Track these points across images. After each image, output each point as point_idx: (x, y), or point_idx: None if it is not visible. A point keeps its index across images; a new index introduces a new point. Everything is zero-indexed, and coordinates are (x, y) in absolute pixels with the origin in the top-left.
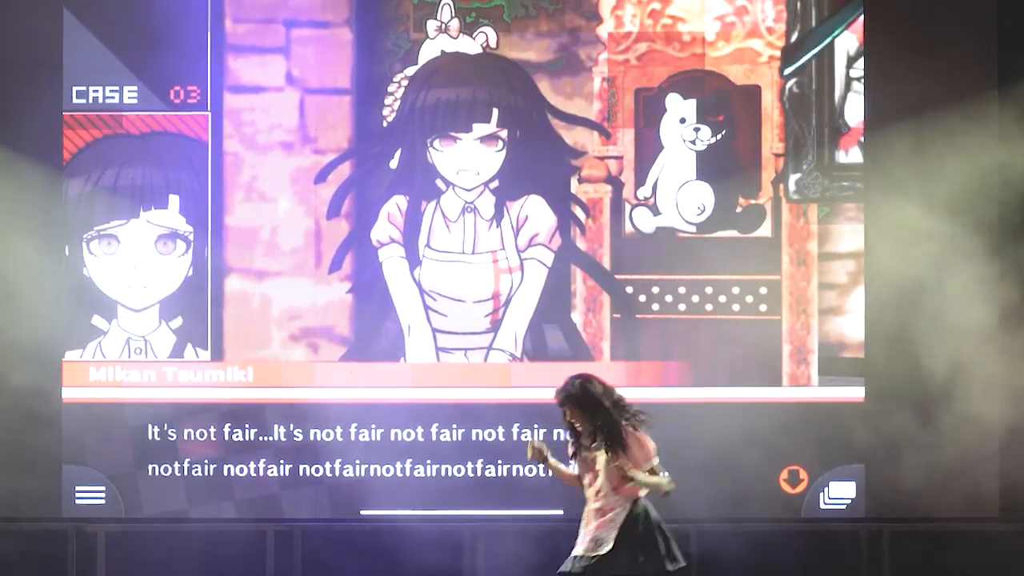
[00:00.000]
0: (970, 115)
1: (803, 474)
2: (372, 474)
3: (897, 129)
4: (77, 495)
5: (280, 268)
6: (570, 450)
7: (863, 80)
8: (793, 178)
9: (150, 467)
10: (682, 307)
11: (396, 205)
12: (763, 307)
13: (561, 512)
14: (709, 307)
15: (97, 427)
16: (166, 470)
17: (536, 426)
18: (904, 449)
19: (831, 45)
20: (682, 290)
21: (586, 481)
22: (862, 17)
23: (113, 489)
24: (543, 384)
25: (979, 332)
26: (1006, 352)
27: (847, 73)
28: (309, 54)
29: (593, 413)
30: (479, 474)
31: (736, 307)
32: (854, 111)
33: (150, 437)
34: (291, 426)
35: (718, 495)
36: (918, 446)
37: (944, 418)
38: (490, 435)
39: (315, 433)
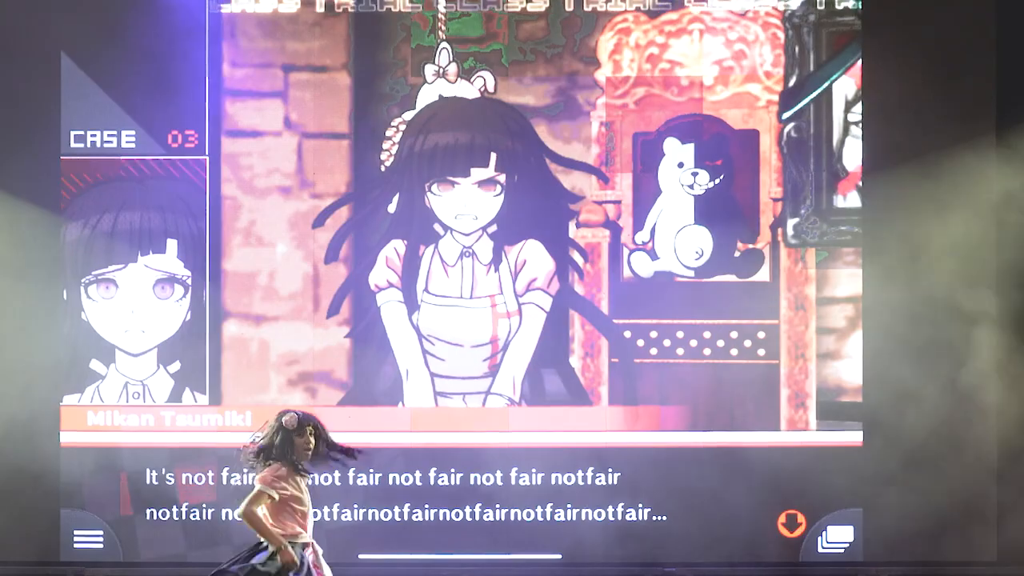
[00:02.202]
0: (968, 160)
1: (801, 518)
2: (370, 518)
3: (895, 173)
4: (75, 539)
5: (278, 313)
6: (295, 476)
7: (861, 124)
8: (791, 222)
9: (148, 511)
10: (680, 351)
11: (394, 249)
12: (761, 351)
13: (559, 556)
14: (707, 351)
15: (95, 471)
16: (164, 514)
17: (534, 470)
18: (902, 493)
19: (829, 89)
20: (680, 334)
21: (309, 508)
22: (860, 61)
23: (111, 533)
24: (542, 428)
25: (977, 377)
26: (1003, 397)
27: (845, 117)
28: (307, 98)
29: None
30: (477, 518)
31: (734, 351)
32: (852, 155)
33: (148, 481)
34: None
35: (717, 538)
36: (916, 490)
37: (942, 462)
38: (488, 479)
39: (313, 477)
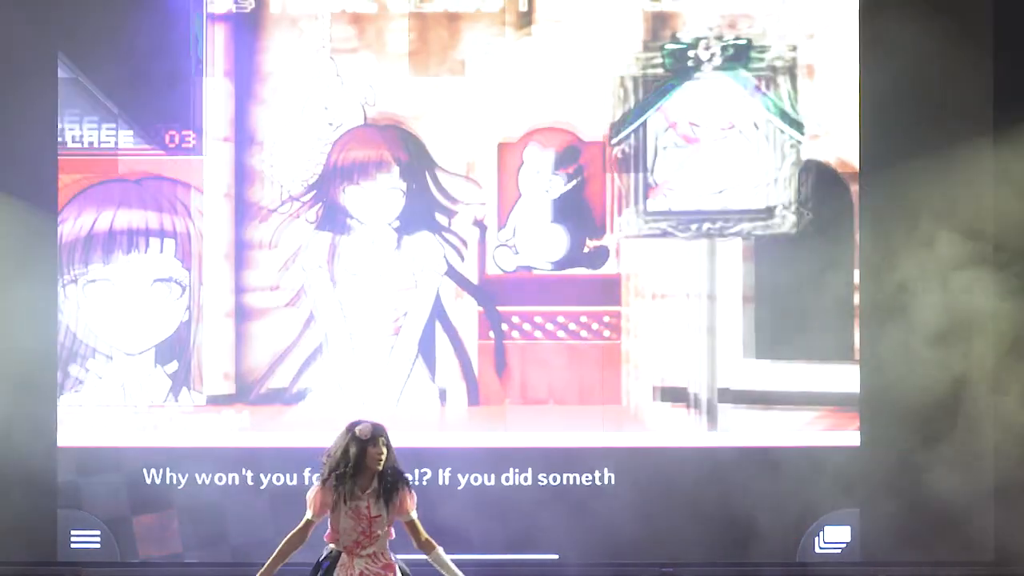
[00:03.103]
0: (967, 157)
1: (798, 518)
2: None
3: (894, 171)
4: (72, 539)
5: None
6: (330, 492)
7: (859, 122)
8: (617, 220)
9: (145, 511)
10: (539, 334)
11: (320, 238)
12: (607, 333)
13: (556, 556)
14: (561, 334)
15: (92, 471)
16: (161, 514)
17: (530, 470)
18: (899, 493)
19: (644, 122)
20: (538, 319)
21: (356, 528)
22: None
23: (108, 533)
24: (535, 429)
25: (974, 377)
26: (1001, 397)
27: (656, 143)
28: None
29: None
30: (472, 518)
31: (584, 333)
32: (660, 170)
33: (145, 481)
34: (286, 470)
35: (713, 539)
36: (913, 490)
37: (939, 463)
38: (476, 479)
39: (310, 478)
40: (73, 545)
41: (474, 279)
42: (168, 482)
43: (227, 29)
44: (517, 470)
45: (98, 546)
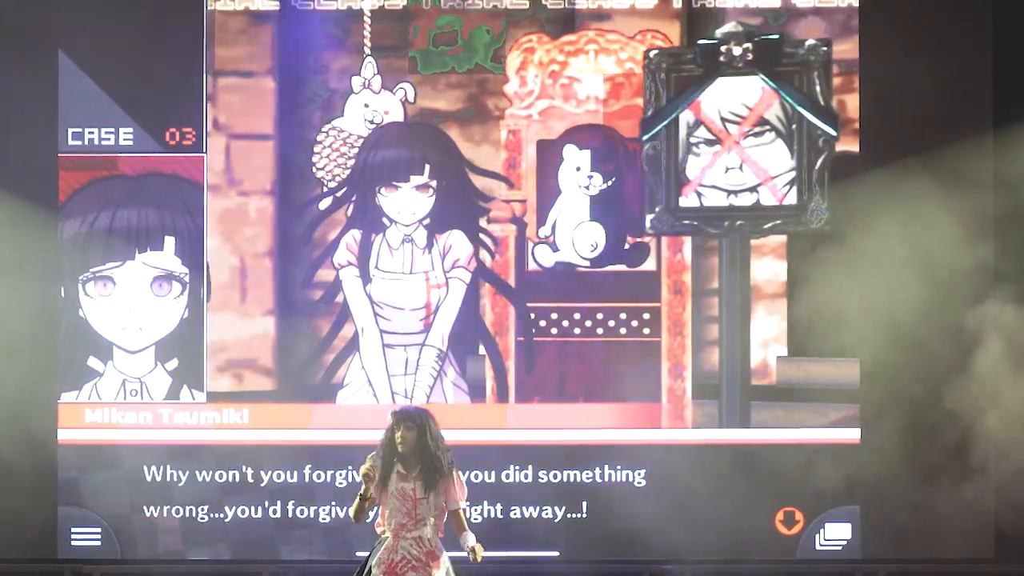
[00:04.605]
0: (965, 156)
1: (799, 515)
2: (367, 515)
3: (893, 169)
4: (73, 536)
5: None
6: (374, 475)
7: (859, 121)
8: (648, 217)
9: (146, 508)
10: (577, 331)
11: (352, 237)
12: (646, 330)
13: (556, 553)
14: (600, 331)
15: (93, 469)
16: (162, 511)
17: (531, 466)
18: (900, 490)
19: (676, 119)
20: (577, 316)
21: (401, 509)
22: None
23: (109, 530)
24: (537, 426)
25: (975, 374)
26: (1002, 393)
27: (687, 140)
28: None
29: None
30: (473, 516)
31: (623, 330)
32: (692, 168)
33: (146, 479)
34: (286, 468)
35: (714, 536)
36: (914, 487)
37: (940, 459)
38: (475, 476)
39: (310, 475)
40: (74, 542)
41: (512, 275)
42: (169, 479)
43: (271, 27)
44: (549, 466)
45: (98, 543)
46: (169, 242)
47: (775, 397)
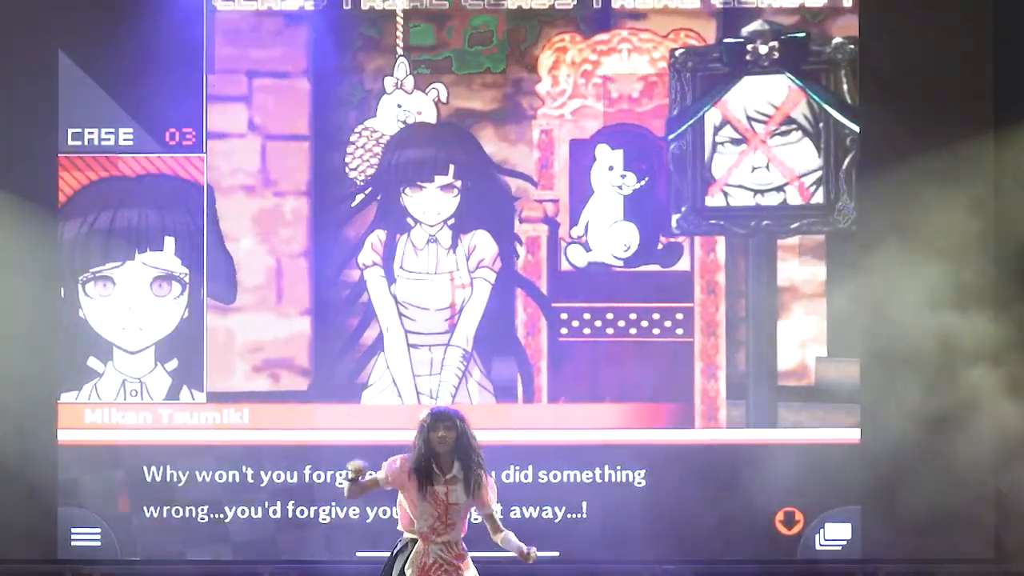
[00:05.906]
0: (965, 155)
1: (799, 515)
2: (368, 516)
3: (892, 168)
4: (73, 537)
5: (242, 303)
6: (406, 472)
7: (858, 118)
8: (675, 217)
9: (146, 509)
10: (610, 331)
11: (377, 237)
12: (679, 331)
13: (557, 554)
14: (633, 331)
15: (93, 469)
16: (162, 512)
17: (532, 467)
18: (900, 490)
19: (702, 118)
20: (610, 316)
21: (431, 513)
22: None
23: (109, 531)
24: (538, 427)
25: (974, 374)
26: (1001, 394)
27: (713, 139)
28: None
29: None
30: (474, 515)
31: (656, 331)
32: (718, 168)
33: (146, 479)
34: (287, 468)
35: (714, 535)
36: (914, 487)
37: (939, 459)
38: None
39: (311, 475)
40: (74, 543)
41: (544, 275)
42: (169, 479)
43: (305, 28)
44: (583, 466)
45: (98, 544)
46: (169, 242)
47: (810, 398)
